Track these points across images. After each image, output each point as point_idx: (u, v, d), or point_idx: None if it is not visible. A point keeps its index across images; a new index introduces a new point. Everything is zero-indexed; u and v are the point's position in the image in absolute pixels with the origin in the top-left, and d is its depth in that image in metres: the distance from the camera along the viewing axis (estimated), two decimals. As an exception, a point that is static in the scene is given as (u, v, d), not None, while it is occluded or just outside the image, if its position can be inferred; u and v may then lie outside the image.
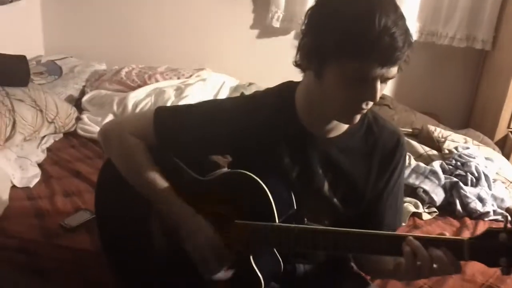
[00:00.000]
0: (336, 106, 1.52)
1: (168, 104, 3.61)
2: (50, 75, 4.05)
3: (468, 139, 3.50)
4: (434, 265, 1.40)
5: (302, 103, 1.65)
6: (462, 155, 3.14)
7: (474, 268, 2.30)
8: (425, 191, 2.88)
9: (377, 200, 1.72)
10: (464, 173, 3.02)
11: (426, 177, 2.95)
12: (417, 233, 2.48)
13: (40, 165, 3.00)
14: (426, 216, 2.77)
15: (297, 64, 1.58)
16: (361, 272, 1.89)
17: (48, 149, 3.24)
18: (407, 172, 2.94)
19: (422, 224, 2.70)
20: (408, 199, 2.84)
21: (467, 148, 3.25)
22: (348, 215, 1.70)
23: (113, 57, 4.47)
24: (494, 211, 2.86)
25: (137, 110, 3.65)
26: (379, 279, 2.14)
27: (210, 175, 1.74)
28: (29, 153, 3.06)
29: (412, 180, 2.94)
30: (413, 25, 4.06)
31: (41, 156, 3.09)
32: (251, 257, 1.60)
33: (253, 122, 1.67)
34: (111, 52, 4.53)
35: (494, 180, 3.10)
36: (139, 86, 3.92)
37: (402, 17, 1.41)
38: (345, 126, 1.67)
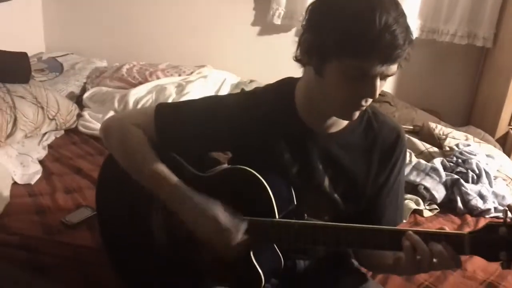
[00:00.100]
0: (335, 103, 1.53)
1: (169, 101, 3.61)
2: (51, 72, 4.06)
3: (469, 136, 3.50)
4: (434, 260, 1.40)
5: (302, 99, 1.65)
6: (463, 152, 3.14)
7: (475, 265, 2.30)
8: (426, 188, 2.88)
9: (377, 196, 1.73)
10: (465, 170, 3.02)
11: (427, 174, 2.95)
12: (418, 230, 2.48)
13: (41, 162, 3.00)
14: (427, 213, 2.77)
15: (297, 59, 1.57)
16: (361, 268, 1.90)
17: (49, 146, 3.24)
18: (408, 169, 2.94)
19: (423, 221, 2.70)
20: (409, 196, 2.84)
21: (468, 145, 3.25)
22: (348, 211, 1.71)
23: (114, 54, 4.47)
24: (495, 208, 2.86)
25: (138, 107, 3.65)
26: (380, 274, 2.15)
27: (210, 171, 1.74)
28: (30, 150, 3.06)
29: (413, 177, 2.94)
30: (414, 22, 4.06)
31: (42, 153, 3.10)
32: (251, 253, 1.60)
33: (253, 118, 1.67)
34: (112, 49, 4.53)
35: (495, 177, 3.10)
36: (140, 83, 3.93)
37: (403, 15, 1.41)
38: (345, 122, 1.67)
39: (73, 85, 4.00)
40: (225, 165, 1.80)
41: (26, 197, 2.61)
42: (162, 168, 1.65)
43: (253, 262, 1.60)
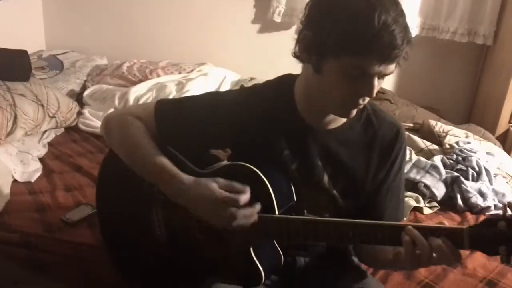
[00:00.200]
0: (333, 100, 1.53)
1: (170, 98, 3.61)
2: (52, 70, 4.06)
3: (469, 133, 3.49)
4: (434, 254, 1.40)
5: (301, 96, 1.65)
6: (463, 149, 3.14)
7: (475, 262, 2.30)
8: (426, 186, 2.88)
9: (377, 193, 1.73)
10: (465, 168, 3.01)
11: (427, 172, 2.95)
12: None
13: (41, 160, 3.00)
14: (427, 211, 2.77)
15: (296, 56, 1.58)
16: (361, 265, 1.90)
17: (50, 144, 3.24)
18: (408, 166, 2.94)
19: (423, 219, 2.69)
20: (409, 193, 2.84)
21: (468, 142, 3.25)
22: (348, 207, 1.71)
23: (115, 51, 4.48)
24: (495, 205, 2.85)
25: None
26: (380, 269, 2.15)
27: (209, 168, 1.75)
28: (30, 147, 3.06)
29: (413, 174, 2.94)
30: (415, 20, 4.05)
31: (42, 151, 3.10)
32: (251, 249, 1.60)
33: (253, 115, 1.67)
34: (113, 46, 4.54)
35: (495, 175, 3.10)
36: (141, 81, 3.93)
37: (402, 14, 1.41)
38: (344, 119, 1.68)
39: (74, 83, 4.00)
40: (225, 162, 1.80)
41: (26, 195, 2.61)
42: (162, 160, 1.64)
43: (253, 258, 1.61)
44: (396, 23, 1.37)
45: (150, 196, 1.76)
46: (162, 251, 1.82)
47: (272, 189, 1.57)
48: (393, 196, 1.74)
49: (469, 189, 2.85)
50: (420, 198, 2.82)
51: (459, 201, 2.85)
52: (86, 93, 3.88)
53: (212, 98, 1.77)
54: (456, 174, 2.96)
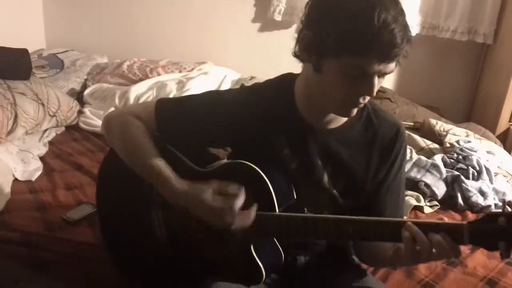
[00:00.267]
0: (333, 100, 1.53)
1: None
2: (52, 69, 4.06)
3: (470, 132, 3.49)
4: (434, 250, 1.40)
5: (301, 95, 1.66)
6: (464, 148, 3.14)
7: (475, 261, 2.30)
8: (426, 185, 2.88)
9: (377, 192, 1.73)
10: (465, 167, 3.02)
11: (428, 171, 2.95)
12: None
13: (42, 159, 3.01)
14: (427, 210, 2.77)
15: (296, 55, 1.58)
16: (361, 264, 1.90)
17: (50, 143, 3.25)
18: (408, 165, 2.94)
19: (424, 218, 2.69)
20: (409, 192, 2.84)
21: (469, 141, 3.25)
22: (348, 207, 1.71)
23: (115, 50, 4.48)
24: (495, 204, 2.86)
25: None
26: (380, 267, 2.15)
27: (209, 166, 1.75)
28: (31, 146, 3.06)
29: (414, 173, 2.94)
30: (415, 19, 4.06)
31: (43, 150, 3.10)
32: (252, 247, 1.61)
33: (253, 114, 1.68)
34: (113, 45, 4.54)
35: (496, 174, 3.10)
36: (141, 80, 3.94)
37: (402, 13, 1.41)
38: (344, 118, 1.68)
39: (74, 81, 4.01)
40: (225, 160, 1.80)
41: (27, 193, 2.61)
42: (157, 162, 1.65)
43: (253, 256, 1.61)
44: (396, 22, 1.37)
45: (150, 195, 1.76)
46: (162, 250, 1.82)
47: (272, 187, 1.57)
48: (393, 195, 1.74)
49: (469, 188, 2.86)
50: (421, 197, 2.82)
51: (460, 200, 2.85)
52: (86, 92, 3.88)
53: (212, 97, 1.77)
54: (456, 173, 2.96)
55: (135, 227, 1.86)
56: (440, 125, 3.53)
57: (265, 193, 1.58)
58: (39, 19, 4.55)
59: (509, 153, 3.51)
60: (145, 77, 3.98)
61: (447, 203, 2.89)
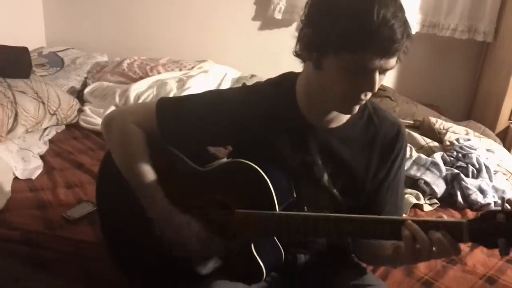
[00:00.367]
0: (335, 97, 1.53)
1: (170, 95, 3.61)
2: (52, 67, 4.06)
3: (469, 130, 3.50)
4: (434, 248, 1.41)
5: (302, 94, 1.65)
6: (463, 146, 3.14)
7: (475, 259, 2.31)
8: (426, 183, 2.88)
9: (377, 192, 1.73)
10: (465, 165, 3.02)
11: (427, 169, 2.95)
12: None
13: (42, 157, 3.01)
14: (427, 208, 2.78)
15: (297, 54, 1.58)
16: (360, 263, 1.90)
17: (50, 141, 3.25)
18: (408, 163, 2.95)
19: (423, 216, 2.69)
20: (409, 190, 2.84)
21: (468, 139, 3.25)
22: (348, 206, 1.71)
23: (115, 48, 4.48)
24: (495, 202, 2.86)
25: (139, 102, 3.66)
26: (379, 266, 2.15)
27: (209, 165, 1.75)
28: (31, 145, 3.07)
29: (413, 171, 2.95)
30: (415, 17, 4.05)
31: (43, 148, 3.10)
32: (252, 246, 1.61)
33: (254, 113, 1.68)
34: (113, 43, 4.54)
35: (495, 172, 3.10)
36: (141, 78, 3.94)
37: (401, 9, 1.41)
38: (345, 117, 1.68)
39: (74, 80, 4.01)
40: (225, 159, 1.80)
41: (27, 192, 2.61)
42: (150, 178, 1.73)
43: (254, 255, 1.61)
44: (395, 18, 1.37)
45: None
46: (162, 249, 1.82)
47: (272, 186, 1.57)
48: (393, 194, 1.74)
49: (469, 186, 2.86)
50: (420, 195, 2.82)
51: (459, 198, 2.85)
52: (86, 90, 3.89)
53: (213, 96, 1.77)
54: (456, 171, 2.96)
55: (135, 226, 1.86)
56: (440, 123, 3.53)
57: (265, 192, 1.58)
58: (39, 17, 4.55)
59: (509, 151, 3.51)
60: (145, 75, 3.98)
61: (447, 201, 2.90)
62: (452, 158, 3.09)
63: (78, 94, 3.92)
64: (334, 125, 1.68)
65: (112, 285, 2.03)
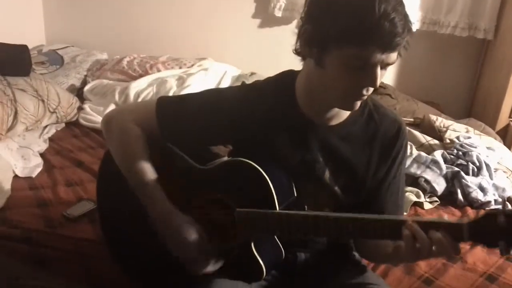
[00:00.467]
0: (336, 93, 1.53)
1: (170, 93, 3.62)
2: (52, 65, 4.06)
3: (470, 128, 3.50)
4: (434, 248, 1.40)
5: (303, 91, 1.65)
6: (464, 144, 3.14)
7: (475, 257, 2.31)
8: (426, 181, 2.88)
9: (377, 189, 1.73)
10: (465, 163, 3.02)
11: (428, 167, 2.95)
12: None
13: (42, 155, 3.01)
14: (427, 206, 2.78)
15: (297, 52, 1.58)
16: (362, 261, 1.90)
17: (50, 139, 3.25)
18: (408, 161, 2.95)
19: (424, 214, 2.70)
20: (409, 188, 2.84)
21: (469, 137, 3.25)
22: (349, 203, 1.71)
23: (115, 46, 4.48)
24: (495, 200, 2.86)
25: (139, 99, 3.66)
26: (380, 263, 2.16)
27: (210, 164, 1.75)
28: (31, 143, 3.07)
29: (414, 169, 2.95)
30: (415, 14, 4.06)
31: (43, 146, 3.10)
32: (252, 245, 1.61)
33: (254, 111, 1.67)
34: (113, 41, 4.54)
35: (496, 170, 3.11)
36: (141, 76, 3.94)
37: (401, 3, 1.41)
38: (346, 114, 1.68)
39: (74, 77, 4.01)
40: (225, 158, 1.80)
41: (27, 190, 2.61)
42: (150, 177, 1.71)
43: (254, 253, 1.61)
44: (396, 11, 1.37)
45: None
46: (162, 245, 1.82)
47: (273, 184, 1.57)
48: (394, 191, 1.74)
49: (469, 184, 2.86)
50: (421, 193, 2.83)
51: (460, 196, 2.85)
52: (86, 88, 3.89)
53: (212, 95, 1.77)
54: (456, 169, 2.96)
55: (135, 224, 1.86)
56: (440, 121, 3.53)
57: (265, 191, 1.57)
58: (39, 15, 4.55)
59: (509, 149, 3.51)
60: (145, 73, 3.98)
61: (447, 199, 2.90)
62: (452, 156, 3.09)
63: (78, 92, 3.92)
64: (334, 122, 1.68)
65: (112, 283, 2.03)
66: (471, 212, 2.76)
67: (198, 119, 1.70)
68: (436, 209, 2.79)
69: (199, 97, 1.75)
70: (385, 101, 3.74)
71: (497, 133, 3.74)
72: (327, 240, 1.81)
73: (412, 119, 3.70)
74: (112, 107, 3.57)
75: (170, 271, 1.81)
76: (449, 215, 2.71)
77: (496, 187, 2.93)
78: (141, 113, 1.76)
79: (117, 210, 1.93)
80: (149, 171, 1.70)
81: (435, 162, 2.97)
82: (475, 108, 4.33)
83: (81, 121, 3.53)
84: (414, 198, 2.76)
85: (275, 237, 1.66)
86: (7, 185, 2.55)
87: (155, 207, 1.70)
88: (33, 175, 2.75)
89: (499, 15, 3.96)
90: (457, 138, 3.25)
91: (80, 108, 3.62)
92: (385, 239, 1.58)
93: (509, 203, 2.87)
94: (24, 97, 3.15)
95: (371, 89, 1.52)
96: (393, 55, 1.44)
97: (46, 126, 3.34)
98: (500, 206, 2.79)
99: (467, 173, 2.96)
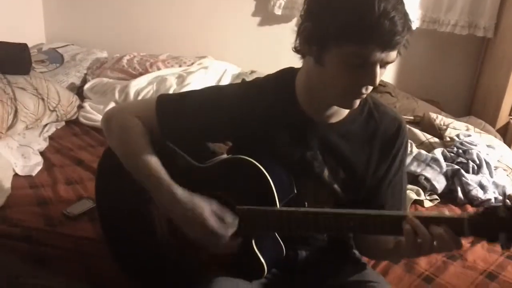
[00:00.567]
0: (336, 91, 1.53)
1: (170, 92, 3.61)
2: (52, 63, 4.06)
3: (470, 126, 3.50)
4: (435, 243, 1.40)
5: (302, 89, 1.65)
6: (464, 142, 3.14)
7: (475, 255, 2.31)
8: (426, 179, 2.88)
9: (378, 187, 1.73)
10: (465, 161, 3.02)
11: (428, 165, 2.95)
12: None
13: (42, 154, 3.01)
14: (427, 204, 2.77)
15: (296, 50, 1.58)
16: (362, 258, 1.90)
17: (50, 137, 3.25)
18: (408, 159, 2.94)
19: (424, 212, 2.70)
20: (409, 186, 2.84)
21: (469, 135, 3.25)
22: (349, 201, 1.72)
23: (115, 44, 4.48)
24: (495, 198, 2.86)
25: (139, 98, 3.66)
26: (381, 260, 2.16)
27: (209, 162, 1.75)
28: (31, 141, 3.06)
29: (414, 167, 2.95)
30: (415, 13, 4.06)
31: (43, 144, 3.10)
32: (253, 242, 1.61)
33: (254, 108, 1.68)
34: (113, 39, 4.54)
35: (496, 168, 3.10)
36: (141, 74, 3.93)
37: (401, 2, 1.42)
38: (345, 112, 1.68)
39: (74, 76, 4.00)
40: (225, 155, 1.80)
41: (27, 188, 2.61)
42: (156, 166, 1.66)
43: (255, 251, 1.61)
44: (396, 10, 1.37)
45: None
46: (162, 243, 1.82)
47: (273, 181, 1.57)
48: (395, 190, 1.74)
49: (469, 182, 2.86)
50: (421, 191, 2.82)
51: (460, 194, 2.85)
52: (86, 86, 3.89)
53: (212, 92, 1.77)
54: (456, 167, 2.96)
55: (135, 222, 1.86)
56: (440, 119, 3.53)
57: (265, 188, 1.58)
58: (38, 13, 4.54)
59: (509, 147, 3.51)
60: (145, 71, 3.97)
61: (447, 197, 2.89)
62: (452, 154, 3.08)
63: (78, 91, 3.91)
64: (334, 120, 1.68)
65: (112, 282, 2.03)
66: (471, 210, 2.75)
67: (198, 117, 1.70)
68: (436, 207, 2.79)
69: (199, 95, 1.75)
70: (385, 99, 3.74)
71: (497, 131, 3.74)
72: (327, 237, 1.81)
73: (412, 117, 3.70)
74: (112, 105, 3.56)
75: (171, 268, 1.81)
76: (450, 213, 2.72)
77: (496, 185, 2.93)
78: (141, 111, 1.76)
79: (116, 208, 1.92)
80: (155, 164, 1.67)
81: (435, 160, 2.97)
82: (475, 106, 4.33)
83: (81, 119, 3.53)
84: (414, 196, 2.76)
85: (276, 234, 1.66)
86: (7, 184, 2.55)
87: (163, 194, 1.64)
88: (33, 174, 2.75)
89: (499, 13, 3.96)
90: (457, 136, 3.25)
91: (80, 107, 3.62)
92: (386, 234, 1.58)
93: (509, 200, 2.86)
94: (24, 95, 3.15)
95: (370, 88, 1.52)
96: (393, 54, 1.44)
97: (46, 125, 3.34)
98: (500, 204, 2.80)
99: (467, 171, 2.96)
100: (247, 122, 1.68)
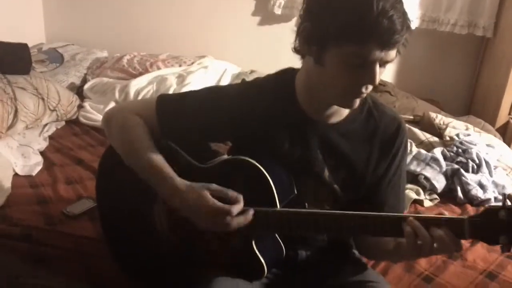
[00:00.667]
0: (336, 91, 1.53)
1: (170, 91, 3.62)
2: (52, 63, 4.06)
3: (469, 126, 3.49)
4: (435, 245, 1.41)
5: (302, 89, 1.66)
6: (463, 142, 3.14)
7: (475, 254, 2.31)
8: (426, 178, 2.88)
9: (378, 185, 1.73)
10: (465, 160, 3.02)
11: (427, 164, 2.95)
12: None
13: (42, 153, 3.01)
14: (427, 203, 2.77)
15: (296, 50, 1.58)
16: (362, 258, 1.90)
17: (50, 137, 3.25)
18: (408, 159, 2.94)
19: (423, 211, 2.69)
20: (409, 186, 2.84)
21: (468, 135, 3.25)
22: (349, 199, 1.72)
23: (115, 44, 4.48)
24: (495, 197, 2.86)
25: (139, 97, 3.66)
26: (381, 261, 2.16)
27: (210, 162, 1.75)
28: (31, 141, 3.06)
29: (413, 167, 2.95)
30: (415, 12, 4.06)
31: (43, 144, 3.10)
32: (253, 243, 1.61)
33: (254, 108, 1.68)
34: (113, 39, 4.54)
35: (495, 167, 3.10)
36: (141, 74, 3.94)
37: (399, 1, 1.42)
38: (345, 112, 1.68)
39: (74, 76, 4.01)
40: (225, 156, 1.80)
41: (28, 188, 2.62)
42: (157, 160, 1.66)
43: (255, 251, 1.61)
44: (395, 9, 1.38)
45: (151, 189, 1.76)
46: (163, 243, 1.82)
47: (273, 182, 1.58)
48: (394, 189, 1.75)
49: (469, 181, 2.86)
50: (420, 191, 2.82)
51: (459, 193, 2.85)
52: (86, 86, 3.89)
53: (212, 92, 1.77)
54: (456, 166, 2.96)
55: (135, 221, 1.86)
56: (439, 118, 3.53)
57: (266, 189, 1.58)
58: (39, 13, 4.55)
59: (509, 146, 3.51)
60: (145, 71, 3.98)
61: (447, 196, 2.89)
62: (452, 153, 3.08)
63: (78, 90, 3.92)
64: (334, 119, 1.68)
65: (113, 282, 2.03)
66: (471, 210, 2.75)
67: (199, 116, 1.70)
68: (436, 206, 2.79)
69: (199, 95, 1.76)
70: (384, 98, 3.74)
71: (497, 130, 3.74)
72: (327, 238, 1.82)
73: (411, 117, 3.70)
74: (112, 105, 3.57)
75: (171, 268, 1.82)
76: (449, 213, 2.68)
77: (496, 185, 2.93)
78: (141, 110, 1.76)
79: (116, 208, 1.93)
80: (158, 159, 1.66)
81: (435, 160, 2.97)
82: (475, 105, 4.33)
83: (81, 119, 3.53)
84: (414, 196, 2.76)
85: (276, 234, 1.66)
86: (7, 183, 2.55)
87: (165, 186, 1.64)
88: (33, 173, 2.75)
89: (498, 13, 3.96)
90: (457, 135, 3.25)
91: (80, 106, 3.62)
92: (386, 235, 1.58)
93: (509, 200, 2.86)
94: (24, 95, 3.15)
95: (370, 87, 1.52)
96: (392, 53, 1.44)
97: (46, 124, 3.34)
98: (499, 203, 2.80)
99: (467, 171, 2.96)
100: (247, 122, 1.68)
